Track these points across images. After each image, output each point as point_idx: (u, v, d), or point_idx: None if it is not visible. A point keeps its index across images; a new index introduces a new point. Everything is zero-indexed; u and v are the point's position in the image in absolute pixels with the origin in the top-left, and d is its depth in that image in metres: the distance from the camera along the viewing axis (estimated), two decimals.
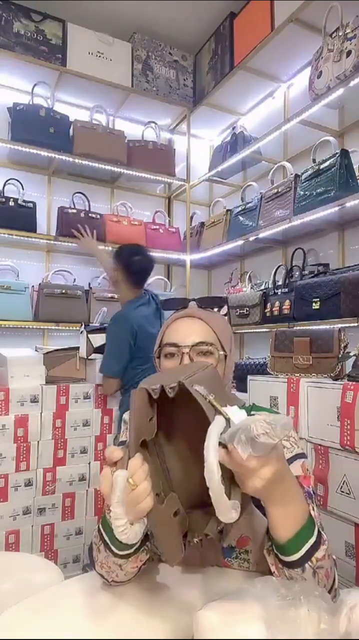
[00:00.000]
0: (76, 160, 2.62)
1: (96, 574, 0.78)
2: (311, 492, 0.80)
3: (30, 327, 2.59)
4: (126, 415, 0.93)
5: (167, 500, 0.65)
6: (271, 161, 2.63)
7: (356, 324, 1.79)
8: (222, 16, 2.79)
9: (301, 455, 0.85)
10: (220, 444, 0.57)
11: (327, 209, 1.94)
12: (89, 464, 2.13)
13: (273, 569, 0.69)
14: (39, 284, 2.59)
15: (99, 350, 2.29)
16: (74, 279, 2.77)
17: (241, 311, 2.39)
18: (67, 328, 2.66)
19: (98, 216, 2.72)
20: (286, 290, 2.17)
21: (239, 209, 2.62)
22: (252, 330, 2.47)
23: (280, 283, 2.29)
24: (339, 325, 1.81)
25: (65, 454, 2.07)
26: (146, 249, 2.33)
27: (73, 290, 2.62)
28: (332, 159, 1.96)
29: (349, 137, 2.29)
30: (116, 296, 2.43)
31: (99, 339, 2.31)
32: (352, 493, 1.47)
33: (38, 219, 2.61)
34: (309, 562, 0.65)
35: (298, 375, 1.78)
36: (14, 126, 2.51)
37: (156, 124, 2.97)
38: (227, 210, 2.74)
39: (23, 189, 2.59)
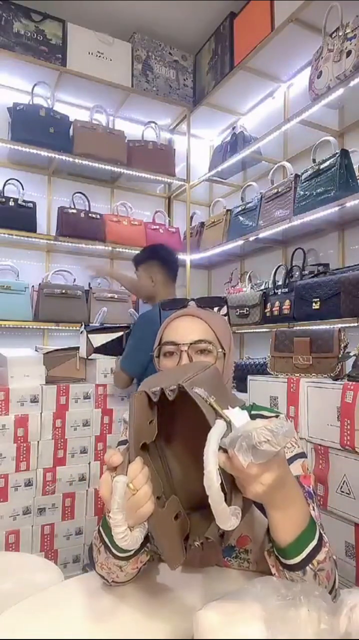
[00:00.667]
0: (76, 160, 2.62)
1: (96, 574, 0.78)
2: (311, 492, 0.80)
3: (30, 327, 2.59)
4: (125, 415, 0.93)
5: (167, 504, 0.64)
6: (271, 161, 2.63)
7: (356, 324, 1.79)
8: (222, 16, 2.79)
9: (301, 455, 0.85)
10: (221, 448, 0.56)
11: (327, 209, 1.94)
12: (89, 464, 2.14)
13: (273, 570, 0.69)
14: (39, 284, 2.59)
15: (99, 350, 2.29)
16: (74, 279, 2.77)
17: (241, 311, 2.39)
18: (67, 328, 2.66)
19: (98, 216, 2.72)
20: (286, 290, 2.17)
21: (239, 209, 2.62)
22: (252, 330, 2.47)
23: (280, 283, 2.28)
24: (339, 325, 1.81)
25: (65, 454, 2.08)
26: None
27: (73, 290, 2.62)
28: (332, 159, 1.96)
29: (349, 137, 2.29)
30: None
31: (99, 339, 2.31)
32: (352, 493, 1.47)
33: (38, 219, 2.61)
34: (310, 565, 0.65)
35: (298, 375, 1.78)
36: (14, 126, 2.51)
37: (156, 124, 2.97)
38: (227, 210, 2.74)
39: (23, 189, 2.59)
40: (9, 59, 2.50)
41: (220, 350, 0.88)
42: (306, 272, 2.21)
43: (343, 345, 1.69)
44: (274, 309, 2.20)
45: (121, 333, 2.38)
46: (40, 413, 2.03)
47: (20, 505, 1.97)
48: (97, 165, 2.68)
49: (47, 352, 2.23)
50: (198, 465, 0.66)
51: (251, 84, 2.66)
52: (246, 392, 1.97)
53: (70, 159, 2.61)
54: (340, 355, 1.67)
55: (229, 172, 2.95)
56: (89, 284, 2.79)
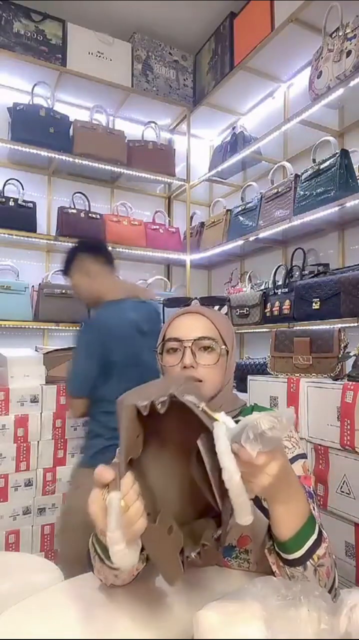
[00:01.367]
0: (76, 160, 2.62)
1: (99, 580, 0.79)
2: (312, 493, 0.80)
3: (30, 327, 2.59)
4: None
5: (159, 518, 0.63)
6: (271, 161, 2.63)
7: (356, 324, 1.79)
8: (222, 16, 2.79)
9: (302, 456, 0.85)
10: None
11: (327, 209, 1.94)
12: None
13: (274, 568, 0.69)
14: (39, 284, 2.59)
15: None
16: None
17: (241, 311, 2.39)
18: (67, 328, 2.66)
19: (98, 216, 2.72)
20: (286, 290, 2.17)
21: (239, 209, 2.62)
22: (252, 330, 2.47)
23: (280, 283, 2.29)
24: (339, 325, 1.81)
25: (65, 454, 2.08)
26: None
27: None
28: (332, 159, 1.96)
29: (349, 137, 2.29)
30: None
31: None
32: (352, 493, 1.47)
33: (38, 219, 2.61)
34: (310, 560, 0.66)
35: (298, 375, 1.78)
36: (14, 126, 2.51)
37: (156, 124, 2.97)
38: (227, 210, 2.74)
39: (23, 189, 2.59)
40: (9, 59, 2.50)
41: (223, 347, 0.89)
42: (306, 272, 2.21)
43: (343, 345, 1.69)
44: (274, 309, 2.20)
45: None
46: (40, 413, 2.03)
47: (20, 505, 1.97)
48: (97, 165, 2.68)
49: (47, 352, 2.23)
50: (181, 481, 0.67)
51: (251, 84, 2.66)
52: (246, 392, 1.97)
53: (70, 159, 2.61)
54: (340, 355, 1.67)
55: (229, 172, 2.95)
56: None
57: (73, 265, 1.78)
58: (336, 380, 1.65)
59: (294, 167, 2.32)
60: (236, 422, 0.67)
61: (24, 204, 2.54)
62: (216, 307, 0.99)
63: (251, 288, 2.62)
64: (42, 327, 2.66)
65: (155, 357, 1.41)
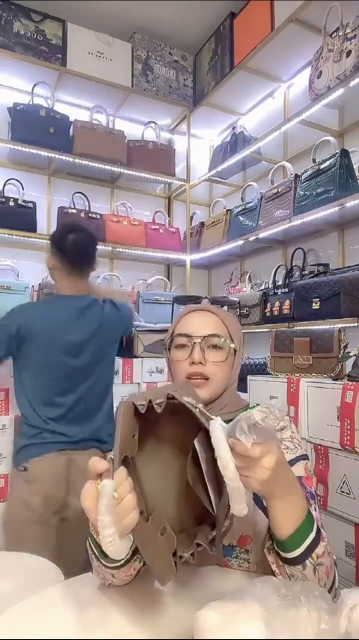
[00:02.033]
0: (76, 160, 2.62)
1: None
2: (313, 493, 0.80)
3: None
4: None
5: (152, 518, 0.63)
6: (271, 161, 2.63)
7: (356, 324, 1.79)
8: (222, 16, 2.79)
9: (304, 457, 0.86)
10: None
11: (327, 209, 1.94)
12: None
13: (273, 567, 0.69)
14: (39, 284, 2.58)
15: None
16: None
17: (241, 311, 2.39)
18: None
19: (98, 216, 2.72)
20: (286, 290, 2.17)
21: (239, 209, 2.62)
22: (252, 330, 2.47)
23: (280, 283, 2.29)
24: (339, 325, 1.81)
25: None
26: (85, 228, 1.80)
27: None
28: (332, 159, 1.96)
29: (349, 137, 2.29)
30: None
31: None
32: (352, 493, 1.47)
33: (38, 219, 2.61)
34: (309, 559, 0.66)
35: (298, 375, 1.78)
36: (14, 126, 2.51)
37: (156, 124, 2.97)
38: (228, 210, 2.74)
39: (23, 189, 2.59)
40: (9, 59, 2.50)
41: (232, 345, 0.90)
42: (306, 272, 2.21)
43: (343, 345, 1.69)
44: (274, 309, 2.20)
45: None
46: None
47: None
48: (97, 165, 2.68)
49: None
50: (175, 484, 0.67)
51: (251, 84, 2.66)
52: (246, 392, 1.97)
53: (70, 159, 2.61)
54: (340, 355, 1.67)
55: (229, 172, 2.95)
56: None
57: (50, 253, 1.74)
58: (336, 380, 1.65)
59: (294, 167, 2.32)
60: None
61: (24, 204, 2.54)
62: (225, 308, 1.03)
63: (251, 288, 2.62)
64: None
65: (94, 362, 1.46)
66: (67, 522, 1.57)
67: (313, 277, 2.08)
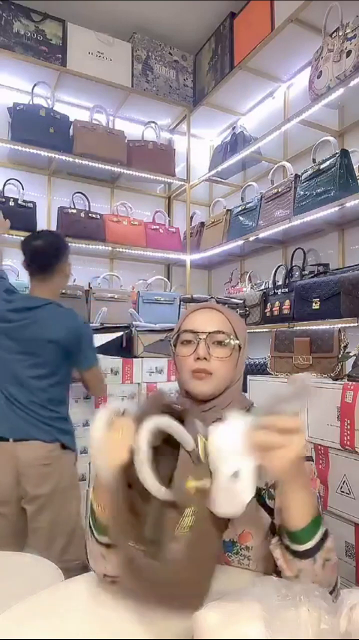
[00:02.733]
0: (76, 160, 2.62)
1: (96, 575, 0.78)
2: (318, 495, 0.81)
3: None
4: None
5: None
6: (271, 161, 2.63)
7: (356, 324, 1.79)
8: (222, 16, 2.79)
9: (308, 458, 0.86)
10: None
11: (327, 209, 1.94)
12: (89, 464, 2.13)
13: (279, 563, 0.70)
14: None
15: (99, 350, 2.29)
16: (74, 279, 2.75)
17: (241, 311, 2.39)
18: None
19: (98, 216, 2.72)
20: (286, 290, 2.17)
21: (239, 209, 2.62)
22: (252, 330, 2.47)
23: (280, 283, 2.29)
24: (339, 325, 1.81)
25: None
26: (55, 236, 1.86)
27: (73, 290, 2.61)
28: (332, 159, 1.96)
29: (349, 137, 2.29)
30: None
31: (99, 339, 2.31)
32: (352, 493, 1.47)
33: (38, 219, 2.61)
34: (319, 553, 0.68)
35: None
36: (14, 126, 2.51)
37: (156, 124, 2.97)
38: (228, 210, 2.74)
39: (23, 188, 2.59)
40: (9, 59, 2.51)
41: (236, 342, 0.92)
42: (306, 272, 2.21)
43: (343, 345, 1.69)
44: (274, 309, 2.20)
45: (120, 333, 2.38)
46: None
47: None
48: (97, 165, 2.68)
49: None
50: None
51: (251, 84, 2.66)
52: (246, 391, 1.97)
53: (70, 159, 2.61)
54: (340, 355, 1.67)
55: (229, 172, 2.95)
56: (89, 284, 2.79)
57: None
58: (336, 380, 1.65)
59: (294, 167, 2.32)
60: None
61: (24, 204, 2.54)
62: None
63: (251, 288, 2.62)
64: None
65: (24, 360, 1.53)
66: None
67: (313, 277, 2.08)
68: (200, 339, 0.90)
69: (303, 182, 2.11)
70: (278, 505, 0.75)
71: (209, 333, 0.91)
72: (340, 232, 2.26)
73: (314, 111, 2.12)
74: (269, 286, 2.34)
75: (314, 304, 1.95)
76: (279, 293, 2.21)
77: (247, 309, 2.36)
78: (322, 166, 2.00)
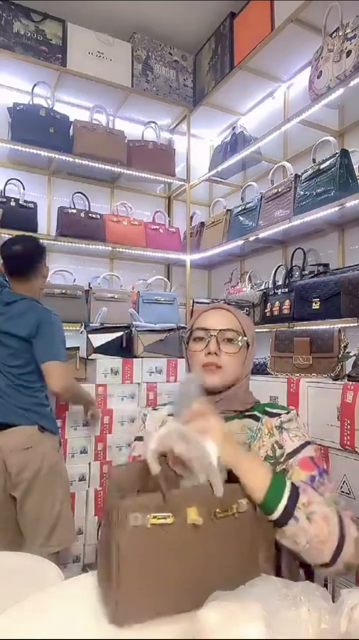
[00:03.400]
0: (76, 160, 2.62)
1: (96, 574, 0.78)
2: (323, 469, 0.90)
3: None
4: (145, 410, 1.01)
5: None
6: (271, 161, 2.63)
7: (356, 324, 1.79)
8: (222, 16, 2.79)
9: (309, 442, 0.96)
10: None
11: (327, 209, 1.94)
12: (89, 464, 2.13)
13: (281, 543, 0.76)
14: None
15: (99, 350, 2.29)
16: (74, 279, 2.76)
17: (245, 311, 2.39)
18: (67, 328, 2.63)
19: (98, 216, 2.71)
20: (286, 290, 2.17)
21: (239, 209, 2.62)
22: (253, 326, 2.47)
23: (280, 283, 2.29)
24: (339, 325, 1.81)
25: (65, 454, 2.07)
26: (29, 238, 1.96)
27: (73, 290, 2.61)
28: (332, 159, 1.96)
29: (349, 137, 2.29)
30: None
31: (99, 339, 2.31)
32: (352, 493, 1.47)
33: (38, 219, 2.61)
34: (297, 510, 0.74)
35: (298, 375, 1.78)
36: (14, 126, 2.51)
37: (156, 124, 2.97)
38: (228, 210, 2.74)
39: (24, 189, 2.58)
40: (9, 59, 2.50)
41: (244, 339, 1.01)
42: (306, 272, 2.21)
43: (343, 345, 1.69)
44: (274, 309, 2.20)
45: (120, 333, 2.38)
46: None
47: None
48: (97, 165, 2.68)
49: None
50: None
51: (251, 84, 2.66)
52: None
53: (70, 159, 2.61)
54: (340, 355, 1.67)
55: (229, 172, 2.95)
56: (89, 284, 2.79)
57: None
58: (336, 380, 1.65)
59: (294, 167, 2.32)
60: (250, 416, 1.00)
61: (25, 204, 2.54)
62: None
63: (251, 288, 2.62)
64: None
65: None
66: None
67: (313, 277, 2.08)
68: (211, 335, 0.99)
69: (303, 182, 2.11)
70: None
71: (220, 330, 0.99)
72: (340, 232, 2.26)
73: (314, 111, 2.12)
74: (269, 286, 2.34)
75: (314, 304, 1.94)
76: (279, 293, 2.21)
77: (248, 309, 2.36)
78: (322, 166, 2.00)
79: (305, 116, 2.17)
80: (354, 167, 1.95)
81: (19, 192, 2.57)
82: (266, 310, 2.26)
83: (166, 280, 3.08)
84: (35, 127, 2.51)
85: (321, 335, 1.74)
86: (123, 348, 2.35)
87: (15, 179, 2.61)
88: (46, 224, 2.79)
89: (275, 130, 2.36)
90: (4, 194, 2.54)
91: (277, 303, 2.18)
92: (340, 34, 1.94)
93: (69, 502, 1.83)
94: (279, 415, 0.98)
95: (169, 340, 2.42)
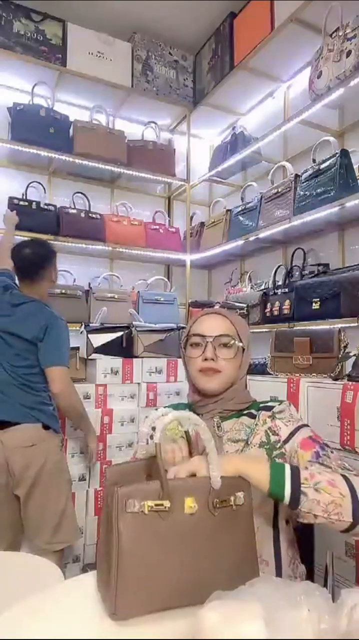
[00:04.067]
0: (76, 160, 2.62)
1: (96, 574, 0.78)
2: (324, 444, 0.93)
3: None
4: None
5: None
6: (271, 161, 2.63)
7: (356, 324, 1.79)
8: (222, 16, 2.79)
9: (304, 425, 0.98)
10: None
11: (327, 209, 1.94)
12: (89, 465, 2.13)
13: (305, 521, 0.79)
14: None
15: (99, 350, 2.29)
16: (74, 279, 2.76)
17: (241, 311, 2.38)
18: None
19: (98, 216, 2.71)
20: (286, 290, 2.16)
21: (239, 209, 2.62)
22: (252, 330, 2.46)
23: (280, 283, 2.28)
24: (339, 325, 1.81)
25: (65, 454, 2.07)
26: (40, 242, 2.02)
27: (73, 290, 2.61)
28: (332, 159, 1.96)
29: (349, 137, 2.29)
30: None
31: (99, 339, 2.31)
32: None
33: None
34: (302, 487, 0.78)
35: (298, 375, 1.78)
36: (14, 126, 2.51)
37: (156, 124, 2.97)
38: (227, 210, 2.74)
39: (45, 192, 2.62)
40: (9, 59, 2.50)
41: (240, 344, 1.03)
42: (306, 272, 2.21)
43: (343, 345, 1.69)
44: (274, 309, 2.20)
45: (120, 333, 2.38)
46: None
47: None
48: (97, 165, 2.68)
49: None
50: None
51: (251, 84, 2.66)
52: None
53: (70, 159, 2.61)
54: (340, 355, 1.67)
55: (229, 172, 2.95)
56: (89, 284, 2.79)
57: None
58: (336, 380, 1.65)
59: (294, 167, 2.32)
60: (247, 414, 1.02)
61: (46, 207, 2.56)
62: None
63: (251, 288, 2.62)
64: None
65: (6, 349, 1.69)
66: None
67: (313, 277, 2.08)
68: (207, 341, 1.01)
69: (302, 182, 2.11)
70: None
71: (216, 337, 1.01)
72: (340, 232, 2.26)
73: (314, 111, 2.12)
74: (269, 286, 2.34)
75: (314, 304, 1.94)
76: (279, 293, 2.21)
77: (248, 309, 2.36)
78: (322, 166, 2.00)
79: (305, 116, 2.17)
80: (354, 167, 1.95)
81: (40, 195, 2.60)
82: (266, 310, 2.26)
83: (166, 280, 3.08)
84: (35, 127, 2.51)
85: (321, 335, 1.74)
86: (123, 348, 2.35)
87: (36, 181, 2.64)
88: None
89: (275, 130, 2.36)
90: (26, 196, 2.56)
91: (277, 303, 2.18)
92: (340, 34, 1.94)
93: (71, 500, 1.84)
94: (272, 407, 1.02)
95: (169, 340, 2.42)
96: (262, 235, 2.36)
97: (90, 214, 2.70)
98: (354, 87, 1.89)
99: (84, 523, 2.11)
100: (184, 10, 2.79)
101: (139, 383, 2.31)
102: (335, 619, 0.56)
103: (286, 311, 2.11)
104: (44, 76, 2.61)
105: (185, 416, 0.76)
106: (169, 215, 3.25)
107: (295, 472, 0.80)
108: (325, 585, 1.08)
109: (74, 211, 2.66)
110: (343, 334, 1.70)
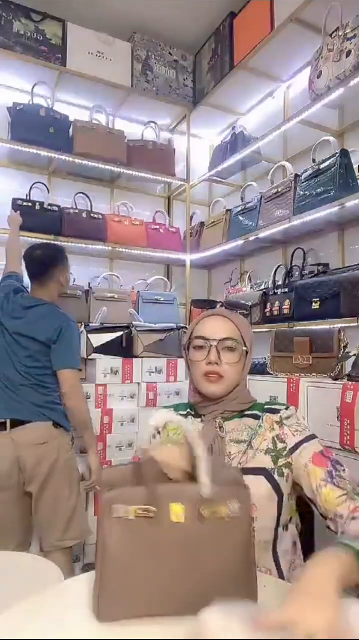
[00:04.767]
0: (76, 160, 2.62)
1: (96, 574, 0.79)
2: (336, 460, 0.93)
3: None
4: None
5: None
6: (271, 161, 2.63)
7: (356, 324, 1.79)
8: (222, 16, 2.79)
9: (314, 436, 0.97)
10: None
11: (327, 209, 1.94)
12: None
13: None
14: None
15: (99, 350, 2.29)
16: (74, 279, 2.76)
17: (241, 311, 2.38)
18: None
19: (100, 216, 2.71)
20: (286, 290, 2.16)
21: (239, 209, 2.62)
22: (252, 330, 2.47)
23: (280, 283, 2.28)
24: (339, 325, 1.81)
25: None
26: (52, 245, 2.10)
27: (73, 290, 2.61)
28: (332, 159, 1.96)
29: (349, 137, 2.29)
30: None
31: (99, 339, 2.31)
32: None
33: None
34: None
35: (298, 375, 1.78)
36: (14, 126, 2.51)
37: (156, 124, 2.97)
38: (227, 210, 2.74)
39: (49, 192, 2.62)
40: (9, 59, 2.50)
41: (244, 348, 1.02)
42: (306, 272, 2.21)
43: (343, 345, 1.69)
44: (274, 309, 2.20)
45: (120, 333, 2.38)
46: None
47: None
48: (97, 165, 2.68)
49: None
50: None
51: (251, 84, 2.66)
52: None
53: (70, 159, 2.61)
54: (340, 355, 1.67)
55: (229, 172, 2.95)
56: (89, 283, 2.79)
57: None
58: (336, 380, 1.65)
59: (294, 167, 2.32)
60: (250, 415, 1.01)
61: (49, 207, 2.56)
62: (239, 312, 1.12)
63: (251, 288, 2.62)
64: None
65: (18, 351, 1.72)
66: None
67: (313, 277, 2.08)
68: (211, 345, 0.99)
69: (302, 182, 2.11)
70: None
71: (220, 340, 0.99)
72: (340, 232, 2.26)
73: (314, 111, 2.12)
74: (269, 286, 2.34)
75: (314, 304, 1.94)
76: (279, 293, 2.21)
77: (248, 309, 2.36)
78: (322, 166, 2.00)
79: (305, 116, 2.16)
80: (354, 167, 1.95)
81: (43, 196, 2.60)
82: (266, 310, 2.26)
83: (166, 280, 3.08)
84: (35, 127, 2.51)
85: (321, 335, 1.74)
86: (123, 348, 2.35)
87: (40, 182, 2.64)
88: None
89: (275, 130, 2.36)
90: (30, 197, 2.56)
91: (277, 303, 2.18)
92: (340, 34, 1.94)
93: (82, 497, 1.86)
94: (279, 411, 1.01)
95: (169, 340, 2.42)
96: (262, 235, 2.36)
97: (92, 215, 2.70)
98: (354, 87, 1.89)
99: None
100: (184, 10, 2.79)
101: (139, 383, 2.31)
102: None
103: (286, 311, 2.11)
104: (44, 76, 2.61)
105: (175, 420, 0.74)
106: (169, 215, 3.25)
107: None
108: None
109: (77, 211, 2.66)
110: (343, 334, 1.70)
